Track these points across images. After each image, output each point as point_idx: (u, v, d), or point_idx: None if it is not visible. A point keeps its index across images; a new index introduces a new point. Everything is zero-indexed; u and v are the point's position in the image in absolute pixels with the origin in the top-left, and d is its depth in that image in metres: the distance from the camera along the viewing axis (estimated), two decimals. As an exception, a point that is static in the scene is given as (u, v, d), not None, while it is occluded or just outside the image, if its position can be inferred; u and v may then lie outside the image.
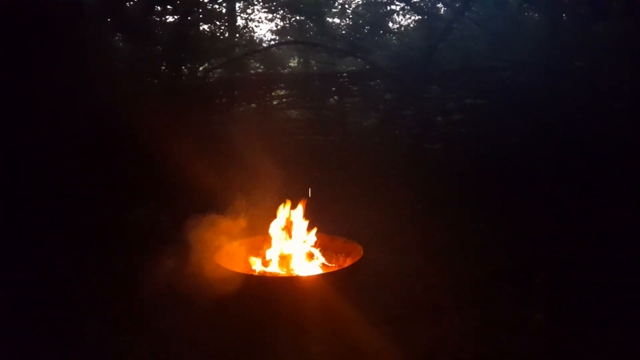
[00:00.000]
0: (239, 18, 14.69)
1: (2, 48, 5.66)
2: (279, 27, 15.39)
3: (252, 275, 3.33)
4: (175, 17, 11.70)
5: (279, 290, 3.14)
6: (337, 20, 16.09)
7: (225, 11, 13.88)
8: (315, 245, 3.69)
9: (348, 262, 3.50)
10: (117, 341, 2.98)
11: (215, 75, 11.31)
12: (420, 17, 13.78)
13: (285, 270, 3.47)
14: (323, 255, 3.67)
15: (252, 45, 14.12)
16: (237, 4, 14.42)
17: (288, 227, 3.67)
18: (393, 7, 14.33)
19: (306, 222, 3.67)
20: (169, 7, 11.51)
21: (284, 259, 3.52)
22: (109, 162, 5.43)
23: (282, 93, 9.65)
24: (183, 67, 10.98)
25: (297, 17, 14.42)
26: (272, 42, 15.25)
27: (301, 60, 15.68)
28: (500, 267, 4.01)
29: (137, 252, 4.12)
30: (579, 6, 8.66)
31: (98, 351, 2.90)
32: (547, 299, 3.36)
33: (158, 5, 10.85)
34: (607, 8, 7.45)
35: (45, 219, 4.53)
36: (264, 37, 16.06)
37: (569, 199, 5.20)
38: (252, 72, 12.47)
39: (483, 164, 6.29)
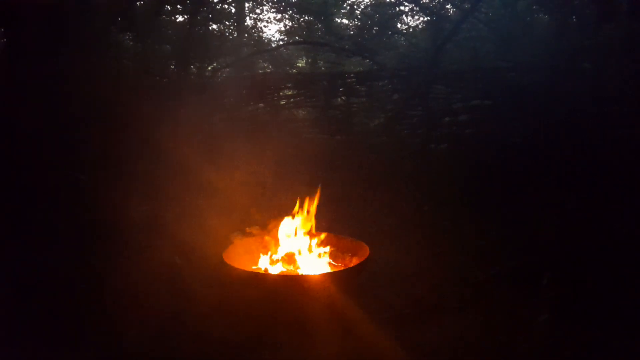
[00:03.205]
0: (247, 18, 14.79)
1: (7, 39, 5.74)
2: (287, 27, 15.44)
3: (257, 273, 3.34)
4: (185, 16, 11.82)
5: (284, 288, 3.14)
6: (345, 21, 16.13)
7: (234, 11, 13.98)
8: (322, 245, 3.71)
9: (354, 262, 3.51)
10: (119, 337, 2.96)
11: (224, 75, 11.39)
12: (428, 18, 13.80)
13: (291, 268, 3.50)
14: (329, 254, 3.67)
15: (261, 45, 14.20)
16: (246, 4, 14.52)
17: (296, 226, 3.69)
18: (402, 7, 14.39)
19: (313, 221, 3.70)
20: (178, 6, 11.62)
21: (290, 258, 3.54)
22: (113, 157, 5.46)
23: (289, 93, 9.69)
24: (192, 66, 11.08)
25: (306, 17, 14.45)
26: (281, 42, 15.32)
27: (309, 60, 15.71)
28: (504, 267, 4.01)
29: (140, 249, 4.13)
30: (586, 7, 8.65)
31: (100, 348, 2.88)
32: (551, 300, 3.36)
33: (168, 5, 10.95)
34: (614, 9, 7.45)
35: (47, 214, 4.54)
36: (272, 37, 16.17)
37: (573, 200, 5.20)
38: (260, 71, 12.54)
39: (488, 164, 6.30)
